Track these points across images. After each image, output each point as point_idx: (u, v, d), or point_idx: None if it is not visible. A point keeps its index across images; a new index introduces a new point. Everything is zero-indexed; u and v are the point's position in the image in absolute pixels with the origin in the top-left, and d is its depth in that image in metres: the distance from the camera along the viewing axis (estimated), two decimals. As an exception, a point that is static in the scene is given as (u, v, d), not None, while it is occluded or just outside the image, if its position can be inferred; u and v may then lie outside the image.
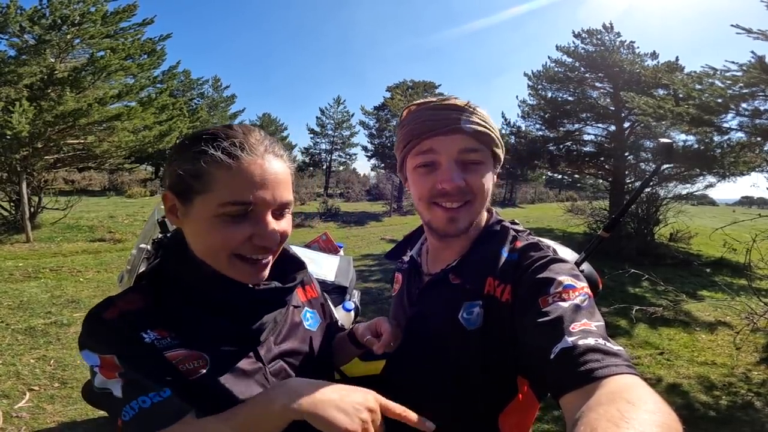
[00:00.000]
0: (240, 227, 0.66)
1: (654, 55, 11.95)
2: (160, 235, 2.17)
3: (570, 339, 0.56)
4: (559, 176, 15.47)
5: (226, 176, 0.65)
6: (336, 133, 33.35)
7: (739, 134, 5.62)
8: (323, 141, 34.19)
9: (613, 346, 0.55)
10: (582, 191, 18.45)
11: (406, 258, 0.99)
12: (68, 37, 8.81)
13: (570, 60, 12.56)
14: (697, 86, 5.35)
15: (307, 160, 36.21)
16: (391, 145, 22.26)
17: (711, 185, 11.12)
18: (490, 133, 0.80)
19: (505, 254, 0.79)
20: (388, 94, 25.82)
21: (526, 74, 13.34)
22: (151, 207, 15.66)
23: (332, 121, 33.27)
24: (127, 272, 1.97)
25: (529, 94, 13.37)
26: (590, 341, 0.55)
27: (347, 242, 10.18)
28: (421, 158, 0.80)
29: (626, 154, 11.89)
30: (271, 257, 0.73)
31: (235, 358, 0.71)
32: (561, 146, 12.70)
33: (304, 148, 35.60)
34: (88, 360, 0.64)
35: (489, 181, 0.81)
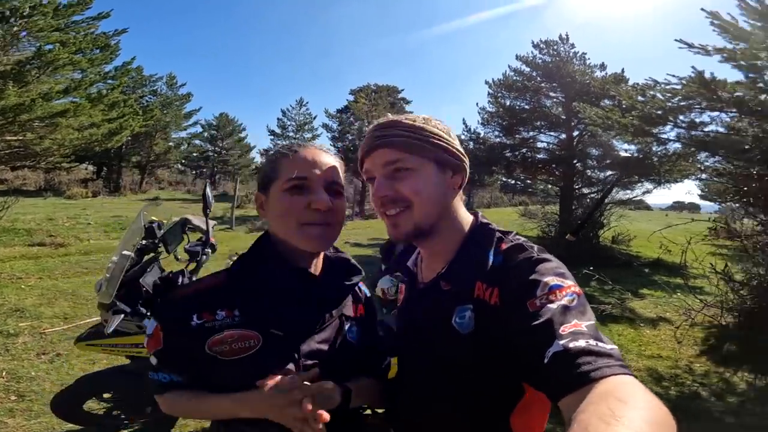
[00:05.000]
0: (301, 197, 0.85)
1: (603, 67, 12.79)
2: (143, 242, 2.10)
3: (561, 342, 0.57)
4: (513, 181, 16.12)
5: (288, 162, 0.87)
6: (297, 135, 32.81)
7: (677, 144, 6.15)
8: (284, 143, 33.47)
9: (606, 345, 0.56)
10: (533, 196, 19.34)
11: (404, 269, 1.02)
12: (14, 29, 8.13)
13: (528, 69, 13.20)
14: (640, 98, 5.80)
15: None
16: (354, 149, 22.26)
17: (648, 191, 12.06)
18: (415, 141, 0.83)
19: (491, 257, 0.81)
20: (351, 98, 25.82)
21: (487, 82, 13.86)
22: (95, 208, 14.70)
23: (294, 123, 32.74)
24: (107, 281, 1.86)
25: (489, 101, 13.90)
26: (581, 343, 0.56)
27: (310, 245, 10.04)
28: (365, 175, 0.88)
29: (575, 161, 12.62)
30: (332, 228, 0.88)
31: (280, 345, 0.84)
32: (517, 153, 13.25)
33: (264, 149, 34.78)
34: (149, 327, 0.88)
35: (426, 185, 0.82)
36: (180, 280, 2.01)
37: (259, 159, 36.62)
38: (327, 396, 0.78)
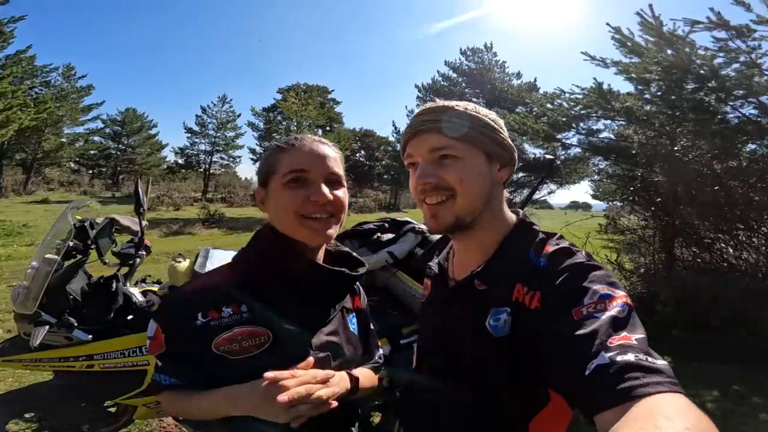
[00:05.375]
0: (300, 190, 0.84)
1: (519, 76, 14.00)
2: (71, 243, 1.82)
3: (607, 355, 0.53)
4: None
5: (287, 156, 0.86)
6: (219, 134, 30.99)
7: (577, 149, 6.97)
8: (203, 141, 31.45)
9: (656, 360, 0.53)
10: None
11: (433, 264, 0.97)
12: None
13: (455, 75, 13.98)
14: (549, 105, 6.48)
15: (180, 161, 32.88)
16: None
17: (552, 192, 13.49)
18: (465, 127, 0.79)
19: (533, 259, 0.76)
20: (279, 96, 25.04)
21: (416, 86, 14.41)
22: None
23: (215, 121, 30.85)
24: (27, 289, 1.60)
25: (417, 104, 14.46)
26: (630, 357, 0.52)
27: (236, 249, 9.55)
28: (407, 159, 0.85)
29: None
30: (333, 220, 0.87)
31: (292, 339, 0.84)
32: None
33: (179, 148, 32.28)
34: (150, 329, 0.86)
35: (472, 175, 0.78)
36: (114, 285, 1.82)
37: (172, 157, 33.91)
38: (342, 383, 0.82)
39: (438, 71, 14.49)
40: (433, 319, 0.91)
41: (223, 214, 15.74)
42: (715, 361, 4.03)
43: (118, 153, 33.15)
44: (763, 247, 5.18)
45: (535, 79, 13.67)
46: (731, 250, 5.52)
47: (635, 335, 0.57)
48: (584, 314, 0.61)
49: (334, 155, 0.90)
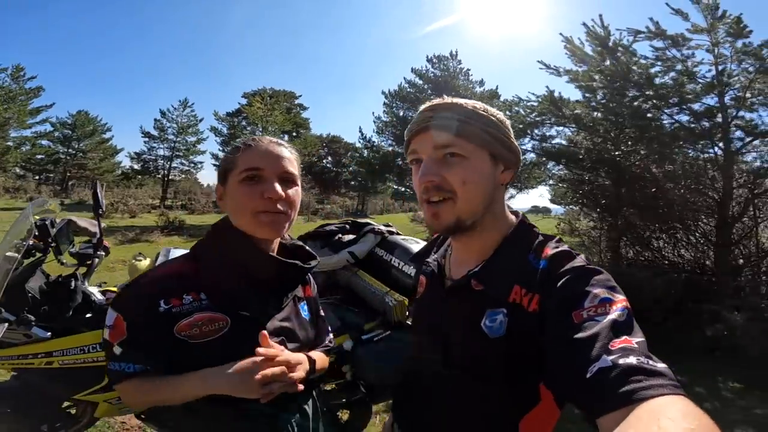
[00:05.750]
0: (255, 187, 0.89)
1: (482, 83, 14.50)
2: (32, 242, 1.78)
3: (609, 358, 0.54)
4: (404, 189, 17.16)
5: (244, 154, 0.91)
6: (179, 139, 29.89)
7: (532, 155, 7.33)
8: (161, 146, 30.17)
9: (657, 363, 0.53)
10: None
11: (431, 260, 0.98)
12: None
13: (421, 82, 14.27)
14: (508, 113, 6.80)
15: (137, 166, 31.37)
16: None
17: (513, 196, 14.03)
18: (473, 127, 0.78)
19: (532, 261, 0.76)
20: (245, 101, 24.56)
21: (383, 92, 14.60)
22: None
23: (175, 125, 29.69)
24: None
25: (384, 111, 14.65)
26: (632, 360, 0.53)
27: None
28: (410, 156, 0.83)
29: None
30: (284, 217, 0.92)
31: (249, 325, 0.89)
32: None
33: (135, 153, 30.82)
34: (108, 318, 0.88)
35: (476, 177, 0.77)
36: (73, 284, 1.80)
37: (128, 162, 32.45)
38: (304, 365, 0.91)
39: (405, 78, 14.84)
40: (428, 317, 0.91)
41: (183, 221, 15.23)
42: (659, 354, 4.28)
43: (68, 158, 31.39)
44: (700, 245, 5.66)
45: (497, 87, 14.26)
46: (670, 248, 5.97)
47: (636, 338, 0.57)
48: (584, 317, 0.61)
49: (288, 155, 0.95)
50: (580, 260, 0.72)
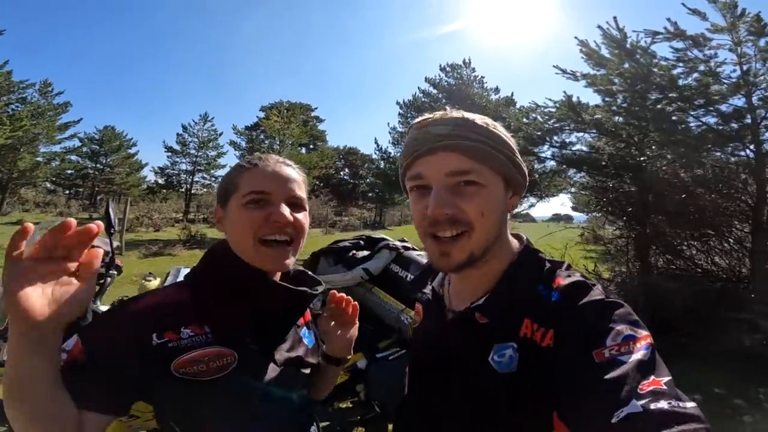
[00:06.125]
0: (260, 211, 0.83)
1: (497, 90, 14.39)
2: None
3: (640, 402, 0.51)
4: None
5: (248, 176, 0.85)
6: (200, 153, 30.73)
7: (552, 162, 7.16)
8: (184, 161, 31.14)
9: (687, 404, 0.51)
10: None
11: (427, 290, 0.91)
12: None
13: (435, 91, 14.28)
14: (525, 120, 6.67)
15: (161, 181, 32.40)
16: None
17: (533, 205, 13.73)
18: (490, 149, 0.70)
19: (543, 292, 0.71)
20: (262, 114, 25.08)
21: (398, 103, 14.67)
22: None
23: (196, 140, 30.62)
24: None
25: (399, 121, 14.68)
26: (663, 405, 0.50)
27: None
28: (412, 182, 0.74)
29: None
30: (291, 247, 0.86)
31: (257, 358, 0.83)
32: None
33: (159, 167, 31.85)
34: (69, 342, 0.73)
35: (492, 206, 0.70)
36: None
37: (153, 177, 33.49)
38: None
39: (419, 88, 14.89)
40: (428, 348, 0.85)
41: (204, 235, 15.49)
42: (693, 365, 4.09)
43: (96, 173, 32.56)
44: (735, 252, 5.39)
45: (512, 94, 14.12)
46: (703, 256, 5.69)
47: (663, 378, 0.54)
48: (607, 357, 0.57)
49: (297, 178, 0.90)
50: (597, 292, 0.67)
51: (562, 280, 0.71)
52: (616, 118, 5.81)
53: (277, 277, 0.93)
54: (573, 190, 8.88)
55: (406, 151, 0.74)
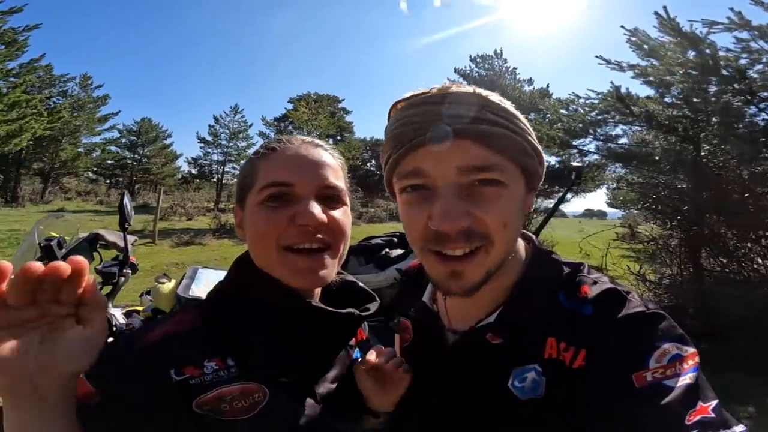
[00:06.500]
0: (282, 210, 0.65)
1: (530, 82, 13.88)
2: (41, 263, 1.69)
3: None
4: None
5: (265, 164, 0.68)
6: (231, 144, 31.34)
7: (595, 156, 6.75)
8: (215, 151, 31.88)
9: (736, 429, 0.47)
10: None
11: (418, 306, 0.77)
12: None
13: (464, 82, 13.85)
14: (564, 111, 6.30)
15: (194, 171, 33.38)
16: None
17: (567, 200, 13.19)
18: (513, 134, 0.56)
19: (566, 304, 0.60)
20: (290, 106, 25.30)
21: (425, 95, 14.35)
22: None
23: (227, 131, 31.25)
24: None
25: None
26: None
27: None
28: (406, 181, 0.58)
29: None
30: (328, 254, 0.67)
31: (293, 393, 0.66)
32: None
33: (192, 158, 32.79)
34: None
35: (514, 213, 0.57)
36: None
37: (186, 167, 34.61)
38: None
39: (448, 79, 14.40)
40: (425, 375, 0.72)
41: (234, 224, 15.78)
42: (746, 375, 3.90)
43: (134, 163, 33.78)
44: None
45: (548, 85, 13.49)
46: (761, 260, 5.26)
47: (711, 404, 0.49)
48: (650, 381, 0.50)
49: (331, 162, 0.70)
50: (635, 303, 0.57)
51: (589, 288, 0.61)
52: (670, 110, 5.37)
53: (317, 293, 0.75)
54: (614, 185, 8.39)
55: (395, 139, 0.58)
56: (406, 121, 0.57)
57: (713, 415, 0.48)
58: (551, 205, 13.35)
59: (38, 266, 0.45)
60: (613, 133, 6.09)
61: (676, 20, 4.77)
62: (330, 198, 0.69)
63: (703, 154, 5.18)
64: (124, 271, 1.85)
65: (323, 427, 0.66)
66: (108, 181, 35.67)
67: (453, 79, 14.04)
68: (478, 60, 14.03)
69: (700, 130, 5.17)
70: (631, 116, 5.49)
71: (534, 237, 0.70)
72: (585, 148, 6.84)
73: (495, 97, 0.58)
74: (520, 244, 0.67)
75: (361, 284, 0.81)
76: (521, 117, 0.59)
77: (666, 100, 5.27)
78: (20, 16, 8.96)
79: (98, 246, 1.87)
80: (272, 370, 0.65)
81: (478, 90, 0.57)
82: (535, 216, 12.19)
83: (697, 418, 0.47)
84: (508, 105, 0.59)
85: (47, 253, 1.61)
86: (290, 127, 25.20)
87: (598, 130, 6.01)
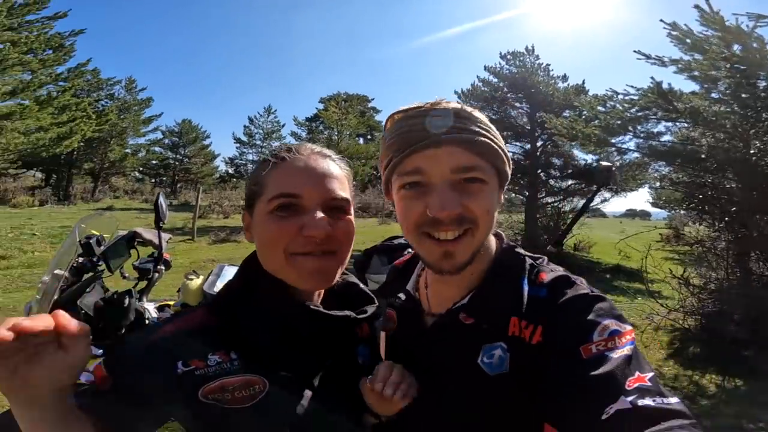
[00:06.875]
0: (290, 220, 0.69)
1: (565, 78, 13.35)
2: (80, 260, 1.85)
3: (628, 399, 0.52)
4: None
5: (275, 174, 0.71)
6: (265, 144, 32.22)
7: (635, 154, 6.43)
8: (250, 151, 32.91)
9: (671, 399, 0.52)
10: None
11: (402, 294, 0.85)
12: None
13: (495, 80, 13.55)
14: (601, 108, 6.04)
15: (231, 170, 34.55)
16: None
17: (606, 200, 12.60)
18: (493, 144, 0.68)
19: (527, 288, 0.70)
20: (321, 106, 25.68)
21: (456, 92, 14.12)
22: (41, 218, 13.67)
23: (261, 131, 32.21)
24: (37, 302, 1.65)
25: (458, 112, 14.14)
26: (649, 402, 0.51)
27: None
28: (406, 178, 0.68)
29: (538, 170, 13.01)
30: (334, 258, 0.72)
31: (290, 387, 0.70)
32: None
33: (229, 158, 33.97)
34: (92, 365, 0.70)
35: (494, 204, 0.69)
36: (127, 301, 1.79)
37: (224, 167, 35.89)
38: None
39: (478, 76, 14.08)
40: (409, 356, 0.79)
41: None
42: None
43: (176, 163, 35.31)
44: None
45: (584, 82, 12.90)
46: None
47: (647, 374, 0.56)
48: (594, 352, 0.58)
49: (337, 173, 0.74)
50: (583, 287, 0.69)
51: (546, 275, 0.71)
52: (716, 106, 5.04)
53: (319, 294, 0.80)
54: (657, 184, 7.96)
55: (398, 143, 0.68)
56: (407, 129, 0.67)
57: (650, 384, 0.54)
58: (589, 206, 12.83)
59: (25, 325, 0.53)
60: (655, 130, 5.77)
61: (720, 14, 4.49)
62: (336, 209, 0.72)
63: (753, 151, 4.82)
64: (159, 267, 1.97)
65: (320, 420, 0.70)
66: (153, 180, 37.46)
67: (482, 76, 13.78)
68: (508, 57, 13.61)
69: (750, 126, 4.83)
70: (674, 112, 5.19)
71: (503, 234, 0.80)
72: (624, 146, 6.56)
73: (476, 112, 0.70)
74: (491, 239, 0.77)
75: (361, 286, 0.86)
76: (494, 127, 0.71)
77: (713, 95, 4.95)
78: (65, 21, 9.50)
79: (136, 243, 1.99)
80: (273, 365, 0.70)
81: (463, 105, 0.69)
82: (570, 216, 11.78)
83: (636, 384, 0.53)
84: (485, 118, 0.70)
85: (87, 251, 1.73)
86: (321, 127, 25.54)
87: (639, 127, 5.72)
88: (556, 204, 12.92)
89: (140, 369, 0.67)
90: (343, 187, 0.74)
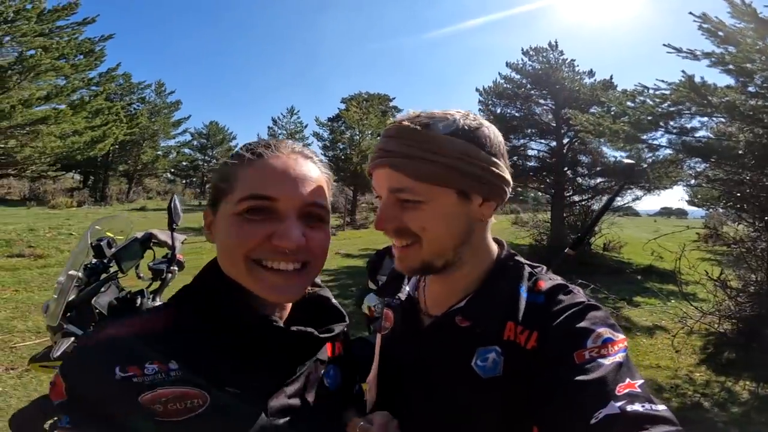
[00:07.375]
0: (259, 225, 0.62)
1: (591, 74, 12.88)
2: (94, 261, 1.93)
3: (617, 404, 0.53)
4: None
5: (247, 171, 0.64)
6: (289, 144, 32.82)
7: (668, 151, 6.14)
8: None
9: (659, 407, 0.54)
10: (524, 204, 19.45)
11: (402, 295, 0.86)
12: (-2, 34, 8.02)
13: (518, 77, 13.22)
14: (630, 104, 5.79)
15: (257, 171, 35.40)
16: (345, 158, 22.21)
17: (638, 198, 12.07)
18: (430, 165, 0.66)
19: (524, 295, 0.72)
20: (343, 106, 25.82)
21: (477, 90, 13.86)
22: (78, 219, 14.33)
23: (284, 132, 32.66)
24: (54, 301, 1.71)
25: (480, 109, 13.87)
26: (638, 407, 0.53)
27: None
28: (374, 191, 0.76)
29: (565, 168, 12.63)
30: (304, 271, 0.66)
31: (238, 404, 0.63)
32: (508, 161, 13.30)
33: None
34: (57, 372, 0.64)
35: (437, 219, 0.69)
36: (139, 300, 1.83)
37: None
38: None
39: (500, 73, 13.73)
40: (403, 357, 0.82)
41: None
42: None
43: (204, 164, 36.37)
44: None
45: (611, 77, 12.40)
46: None
47: (637, 381, 0.57)
48: (587, 358, 0.60)
49: (317, 176, 0.67)
50: (579, 295, 0.71)
51: (545, 283, 0.73)
52: (753, 100, 4.74)
53: (286, 305, 0.73)
54: (693, 182, 7.57)
55: (369, 160, 0.76)
56: (378, 145, 0.73)
57: (640, 390, 0.56)
58: (620, 204, 12.35)
59: None
60: (689, 126, 5.48)
61: (752, 5, 4.22)
62: (313, 216, 0.66)
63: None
64: (171, 268, 2.01)
65: None
66: (183, 181, 38.73)
67: (504, 73, 13.45)
68: (531, 53, 13.23)
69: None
70: (709, 107, 4.91)
71: (504, 241, 0.81)
72: (655, 142, 6.26)
73: (421, 123, 0.68)
74: (493, 246, 0.79)
75: (333, 301, 0.80)
76: (456, 141, 0.68)
77: (749, 89, 4.65)
78: (94, 26, 9.90)
79: (152, 244, 2.05)
80: (218, 379, 0.63)
81: (405, 121, 0.69)
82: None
83: (626, 390, 0.55)
84: (445, 127, 0.68)
85: (97, 253, 1.78)
86: (342, 127, 25.67)
87: (671, 123, 5.45)
88: (584, 202, 12.52)
89: (84, 374, 0.62)
90: (322, 193, 0.68)
